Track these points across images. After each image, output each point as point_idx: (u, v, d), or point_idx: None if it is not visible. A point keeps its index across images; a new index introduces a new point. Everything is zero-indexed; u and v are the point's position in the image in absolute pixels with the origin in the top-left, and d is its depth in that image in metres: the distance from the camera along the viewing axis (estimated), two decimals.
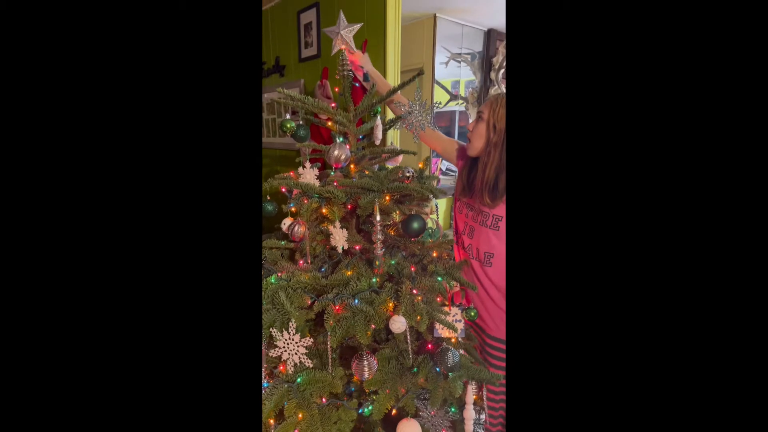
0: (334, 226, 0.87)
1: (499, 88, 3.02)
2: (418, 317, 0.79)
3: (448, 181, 3.10)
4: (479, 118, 1.01)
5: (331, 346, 0.79)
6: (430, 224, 1.02)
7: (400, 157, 1.09)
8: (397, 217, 1.04)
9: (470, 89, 3.15)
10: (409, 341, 0.83)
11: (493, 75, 3.06)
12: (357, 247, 0.95)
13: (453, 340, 0.89)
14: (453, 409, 0.92)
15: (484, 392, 0.95)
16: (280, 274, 0.86)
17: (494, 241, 1.00)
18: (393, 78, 1.71)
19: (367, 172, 0.97)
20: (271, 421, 0.83)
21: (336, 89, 1.64)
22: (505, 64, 2.94)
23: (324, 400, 0.82)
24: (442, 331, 0.87)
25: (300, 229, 0.88)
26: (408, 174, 0.94)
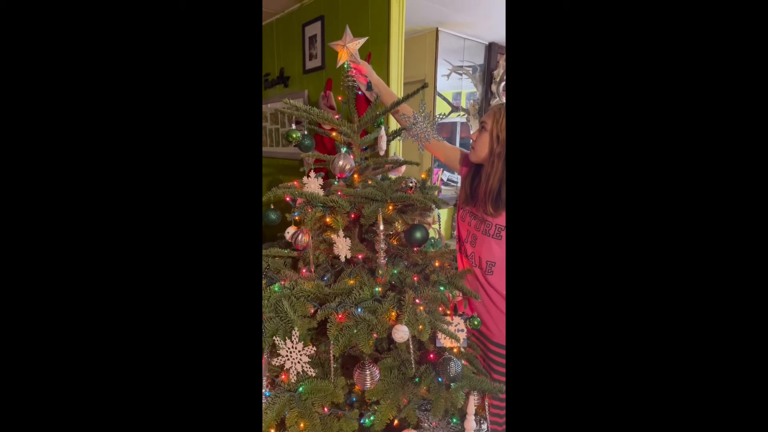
0: (338, 235, 0.88)
1: (500, 100, 3.05)
2: (421, 327, 0.79)
3: (449, 192, 3.11)
4: (482, 128, 1.02)
5: (333, 355, 0.79)
6: (432, 234, 1.03)
7: (403, 168, 1.11)
8: (399, 226, 1.05)
9: (471, 101, 3.19)
10: (411, 351, 0.83)
11: (494, 87, 3.10)
12: (360, 256, 0.96)
13: (455, 350, 0.89)
14: (455, 420, 0.92)
15: (486, 403, 0.94)
16: (283, 283, 0.86)
17: (496, 250, 1.00)
18: (396, 90, 1.73)
19: (370, 182, 0.98)
20: (272, 431, 0.83)
21: (339, 98, 1.66)
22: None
23: (326, 409, 0.82)
24: (444, 341, 0.87)
25: (304, 238, 0.89)
26: (411, 184, 0.96)
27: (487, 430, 0.94)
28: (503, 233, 0.99)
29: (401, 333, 0.76)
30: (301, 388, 0.80)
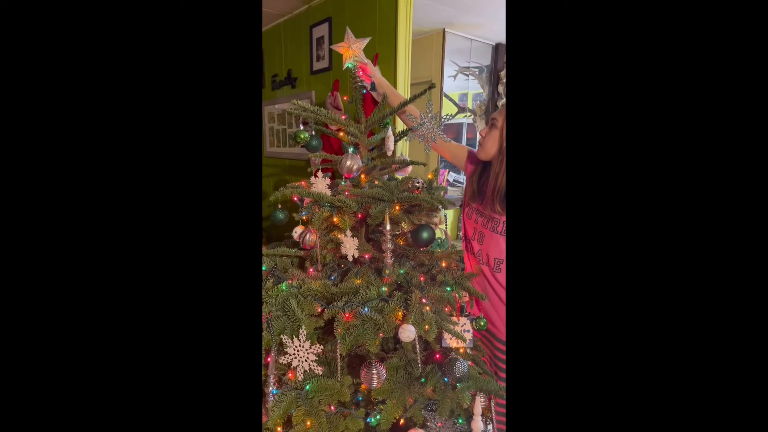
0: (345, 235, 0.89)
1: None
2: (427, 327, 0.79)
3: (455, 192, 3.11)
4: (492, 125, 1.02)
5: (340, 354, 0.80)
6: (439, 234, 1.03)
7: (410, 168, 1.11)
8: (405, 226, 1.05)
9: (478, 102, 3.18)
10: (417, 351, 0.83)
11: (501, 88, 3.09)
12: (366, 256, 0.96)
13: (461, 350, 0.89)
14: (460, 421, 0.91)
15: (492, 404, 0.94)
16: (290, 282, 0.87)
17: (504, 247, 1.00)
18: (403, 90, 1.74)
19: (377, 183, 0.99)
20: (279, 429, 0.83)
21: (344, 98, 1.67)
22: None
23: (332, 408, 0.83)
24: (450, 341, 0.87)
25: (311, 238, 0.89)
26: (418, 184, 0.96)
27: (493, 430, 0.94)
28: None
29: (408, 332, 0.77)
30: (308, 387, 0.81)
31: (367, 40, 0.99)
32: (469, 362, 0.90)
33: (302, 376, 0.80)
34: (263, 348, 0.82)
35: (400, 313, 0.80)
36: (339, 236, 0.93)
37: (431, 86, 0.92)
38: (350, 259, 0.90)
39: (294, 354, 0.79)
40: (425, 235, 0.87)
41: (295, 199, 0.95)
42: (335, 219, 0.92)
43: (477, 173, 1.09)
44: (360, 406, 0.90)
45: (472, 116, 3.19)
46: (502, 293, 1.03)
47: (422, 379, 0.87)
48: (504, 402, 1.02)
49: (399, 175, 1.11)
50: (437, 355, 0.89)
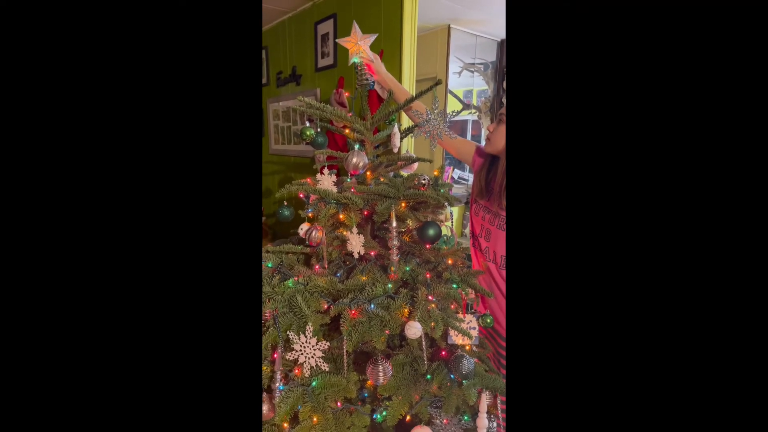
0: (351, 232, 0.89)
1: None
2: (433, 324, 0.79)
3: (459, 190, 3.10)
4: (500, 120, 1.02)
5: (346, 351, 0.80)
6: (445, 231, 1.03)
7: (416, 165, 1.11)
8: (411, 223, 1.05)
9: (483, 98, 3.17)
10: (423, 348, 0.83)
11: (506, 85, 3.07)
12: (372, 253, 0.96)
13: (467, 347, 0.88)
14: (466, 418, 0.92)
15: (498, 401, 0.94)
16: (297, 279, 0.87)
17: None
18: (408, 87, 1.73)
19: (383, 180, 0.99)
20: (285, 425, 0.84)
21: (347, 94, 1.67)
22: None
23: (339, 404, 0.83)
24: (456, 339, 0.87)
25: (317, 234, 0.90)
26: (423, 181, 0.96)
27: (499, 428, 0.94)
28: None
29: (414, 329, 0.77)
30: (314, 383, 0.81)
31: (374, 37, 0.99)
32: (475, 359, 0.89)
33: (309, 372, 0.81)
34: (270, 344, 0.82)
35: (406, 310, 0.80)
36: (345, 233, 0.93)
37: (438, 82, 0.92)
38: (356, 256, 0.90)
39: (300, 350, 0.79)
40: (431, 231, 0.87)
41: (301, 196, 0.95)
42: (341, 216, 0.92)
43: (485, 169, 1.09)
44: (366, 403, 0.91)
45: (477, 113, 3.18)
46: None
47: (428, 376, 0.87)
48: None
49: (404, 172, 1.10)
50: (443, 352, 0.89)
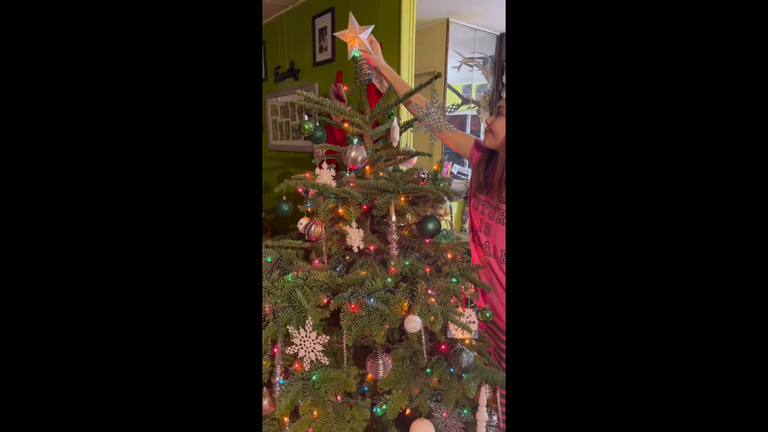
0: (351, 226, 0.88)
1: None
2: (432, 318, 0.79)
3: (459, 185, 3.10)
4: (499, 113, 1.01)
5: (346, 345, 0.80)
6: (444, 225, 1.03)
7: (415, 159, 1.10)
8: (410, 218, 1.05)
9: (482, 93, 3.16)
10: (423, 341, 0.83)
11: (505, 79, 3.06)
12: (371, 248, 0.96)
13: (467, 341, 0.89)
14: (466, 411, 0.92)
15: (497, 394, 0.95)
16: (296, 273, 0.87)
17: None
18: (407, 81, 1.72)
19: (382, 174, 0.98)
20: (286, 419, 0.84)
21: (345, 88, 1.66)
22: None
23: (339, 398, 0.83)
24: (455, 333, 0.87)
25: (317, 229, 0.89)
26: (423, 176, 0.95)
27: (499, 421, 0.95)
28: None
29: (414, 323, 0.77)
30: (314, 377, 0.81)
31: (371, 28, 0.98)
32: (474, 353, 0.90)
33: (308, 366, 0.81)
34: (270, 339, 0.82)
35: (405, 304, 0.80)
36: (344, 228, 0.92)
37: (437, 75, 0.91)
38: (355, 250, 0.90)
39: (300, 344, 0.79)
40: (431, 226, 0.87)
41: (300, 190, 0.95)
42: (340, 210, 0.91)
43: (483, 163, 1.08)
44: (366, 397, 0.91)
45: (476, 107, 3.16)
46: None
47: (428, 370, 0.87)
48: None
49: (404, 167, 1.10)
50: (443, 346, 0.90)
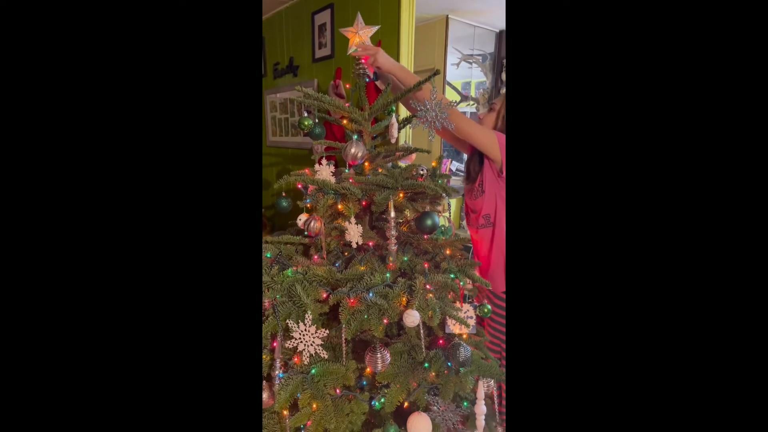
0: (349, 222, 0.89)
1: None
2: (430, 313, 0.80)
3: (457, 181, 3.10)
4: (491, 109, 1.10)
5: (345, 339, 0.81)
6: (442, 222, 1.04)
7: (414, 156, 1.11)
8: (409, 214, 1.06)
9: (481, 90, 3.16)
10: (422, 336, 0.84)
11: (504, 76, 3.06)
12: (370, 243, 0.97)
13: (464, 336, 0.90)
14: (465, 404, 0.93)
15: (495, 388, 0.96)
16: (296, 268, 0.88)
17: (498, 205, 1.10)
18: None
19: (380, 170, 0.99)
20: (285, 412, 0.85)
21: (347, 85, 1.66)
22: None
23: (338, 391, 0.84)
24: (453, 327, 0.88)
25: (316, 225, 0.90)
26: (422, 172, 0.96)
27: (497, 414, 0.96)
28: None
29: (412, 318, 0.78)
30: (313, 371, 0.82)
31: (375, 29, 0.98)
32: (471, 347, 0.91)
33: (308, 360, 0.82)
34: (270, 333, 0.83)
35: (404, 299, 0.81)
36: (343, 224, 0.93)
37: (436, 72, 0.91)
38: (354, 245, 0.91)
39: (300, 338, 0.80)
40: (429, 222, 0.87)
41: (300, 186, 0.95)
42: (340, 206, 0.92)
43: (471, 156, 1.16)
44: (364, 390, 0.92)
45: (475, 104, 3.17)
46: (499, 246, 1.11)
47: (426, 364, 0.88)
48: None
49: (403, 163, 1.11)
50: (440, 340, 0.91)
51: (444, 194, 0.93)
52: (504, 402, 1.03)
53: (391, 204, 0.86)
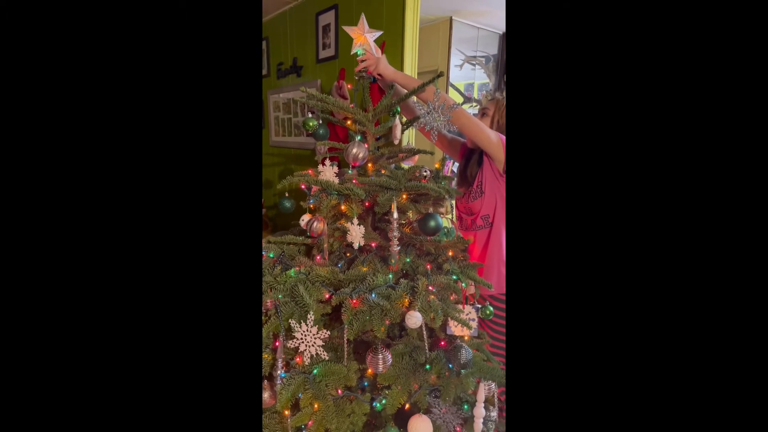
0: (352, 223, 0.89)
1: None
2: (432, 314, 0.80)
3: None
4: (484, 114, 1.12)
5: (347, 339, 0.81)
6: (445, 223, 1.04)
7: (417, 157, 1.11)
8: (411, 215, 1.06)
9: (484, 92, 3.15)
10: (424, 337, 0.84)
11: (506, 81, 3.06)
12: (373, 244, 0.97)
13: (466, 338, 0.90)
14: (465, 407, 0.93)
15: (496, 391, 0.96)
16: (298, 268, 0.88)
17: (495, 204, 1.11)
18: None
19: (383, 171, 0.99)
20: (286, 412, 0.85)
21: (349, 86, 1.66)
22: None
23: (339, 392, 0.84)
24: (455, 329, 0.88)
25: (319, 225, 0.90)
26: (425, 173, 0.96)
27: (498, 417, 0.96)
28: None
29: (414, 319, 0.78)
30: (315, 371, 0.82)
31: (378, 33, 0.99)
32: (473, 350, 0.91)
33: (309, 360, 0.82)
34: (272, 333, 0.83)
35: (406, 300, 0.81)
36: (346, 225, 0.93)
37: (440, 74, 0.92)
38: (357, 246, 0.91)
39: (302, 339, 0.80)
40: (432, 223, 0.87)
41: (303, 187, 0.95)
42: (343, 207, 0.92)
43: (463, 160, 1.18)
44: (366, 391, 0.92)
45: (478, 106, 3.16)
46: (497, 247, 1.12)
47: (427, 366, 0.88)
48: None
49: (405, 164, 1.11)
50: (442, 342, 0.91)
51: (447, 196, 0.93)
52: (502, 405, 1.03)
53: (394, 205, 0.87)
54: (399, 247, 0.91)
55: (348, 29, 0.99)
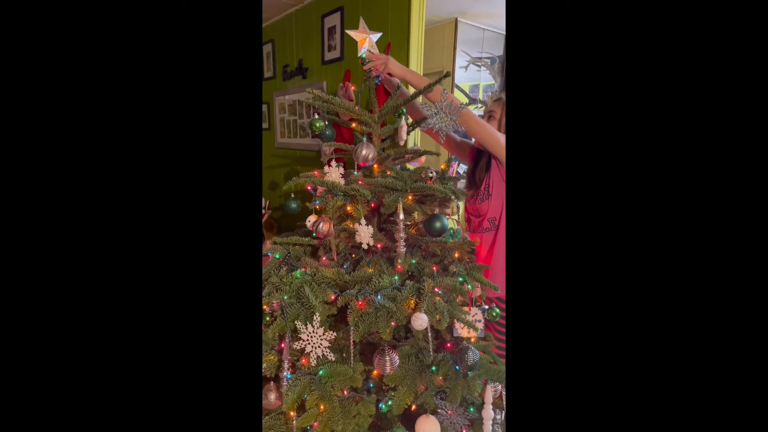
0: (360, 224, 0.89)
1: None
2: (438, 316, 0.80)
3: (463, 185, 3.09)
4: (490, 116, 1.12)
5: (353, 341, 0.81)
6: (451, 225, 1.03)
7: (423, 158, 1.11)
8: (417, 216, 1.05)
9: (489, 93, 3.15)
10: (429, 339, 0.84)
11: (506, 81, 3.05)
12: (379, 245, 0.97)
13: (472, 339, 0.89)
14: (471, 409, 0.93)
15: (503, 393, 0.95)
16: (304, 269, 0.88)
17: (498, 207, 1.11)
18: None
19: (389, 172, 0.99)
20: (292, 413, 0.85)
21: (353, 87, 1.66)
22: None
23: (345, 393, 0.84)
24: (461, 331, 0.87)
25: (325, 226, 0.90)
26: (431, 174, 0.96)
27: (504, 419, 0.95)
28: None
29: (420, 321, 0.77)
30: (321, 372, 0.82)
31: (379, 35, 1.00)
32: (479, 351, 0.90)
33: (315, 361, 0.82)
34: (278, 334, 0.84)
35: (412, 302, 0.81)
36: (352, 225, 0.93)
37: (446, 75, 0.91)
38: (365, 247, 0.91)
39: (308, 340, 0.80)
40: (438, 225, 0.87)
41: (309, 188, 0.96)
42: (349, 208, 0.92)
43: (472, 164, 1.17)
44: (372, 392, 0.92)
45: (483, 107, 3.16)
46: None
47: (433, 367, 0.87)
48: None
49: (411, 165, 1.11)
50: (448, 344, 0.90)
51: (453, 197, 0.93)
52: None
53: (400, 206, 0.86)
54: (405, 248, 0.91)
55: (351, 33, 0.99)
